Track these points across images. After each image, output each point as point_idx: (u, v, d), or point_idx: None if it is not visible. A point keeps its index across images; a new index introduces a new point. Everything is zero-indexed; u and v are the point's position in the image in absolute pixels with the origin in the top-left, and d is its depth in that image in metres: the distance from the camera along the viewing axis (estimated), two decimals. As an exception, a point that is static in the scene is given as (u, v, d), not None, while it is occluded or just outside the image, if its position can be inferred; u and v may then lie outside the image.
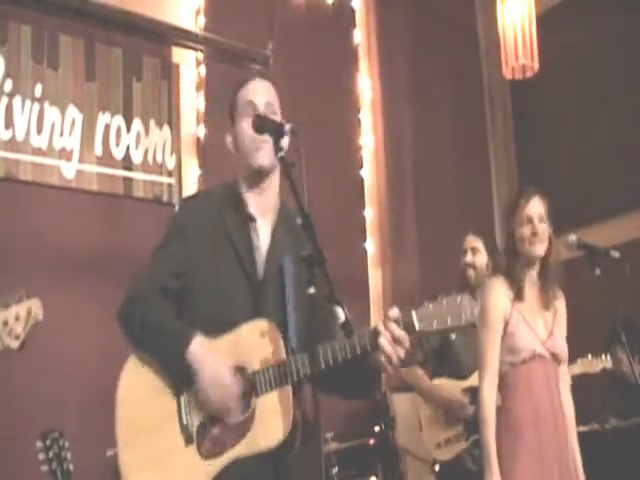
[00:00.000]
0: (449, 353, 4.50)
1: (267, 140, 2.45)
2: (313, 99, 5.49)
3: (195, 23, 5.21)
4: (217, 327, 2.42)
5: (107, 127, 4.73)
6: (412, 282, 5.92)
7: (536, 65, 5.30)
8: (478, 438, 4.13)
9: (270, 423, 2.33)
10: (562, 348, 3.49)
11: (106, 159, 4.70)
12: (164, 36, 4.99)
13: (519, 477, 3.33)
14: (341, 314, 2.21)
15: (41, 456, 3.29)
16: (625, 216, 5.75)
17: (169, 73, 5.06)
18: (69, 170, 4.55)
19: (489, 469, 3.34)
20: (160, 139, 4.94)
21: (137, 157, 4.83)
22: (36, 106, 4.46)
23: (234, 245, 2.53)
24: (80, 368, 4.28)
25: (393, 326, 2.28)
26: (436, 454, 4.56)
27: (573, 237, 3.60)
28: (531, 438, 3.37)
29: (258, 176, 2.58)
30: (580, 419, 3.68)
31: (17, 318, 2.66)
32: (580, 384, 4.25)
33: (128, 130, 4.81)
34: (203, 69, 5.22)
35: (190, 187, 5.03)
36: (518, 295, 3.44)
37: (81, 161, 4.60)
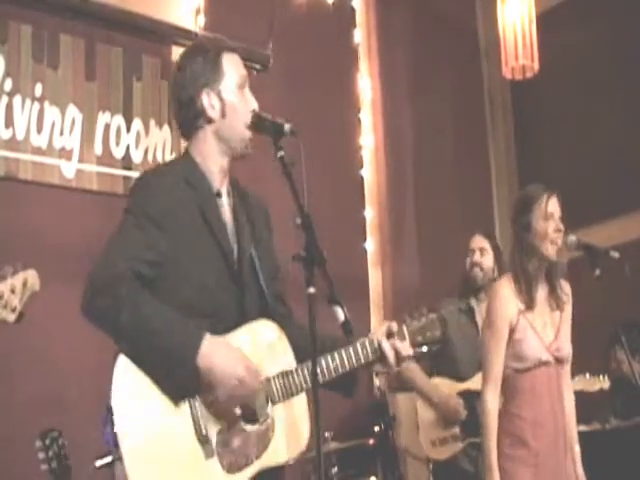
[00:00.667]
0: (447, 352, 4.45)
1: None
2: (313, 99, 5.48)
3: (195, 23, 5.20)
4: (198, 313, 2.33)
5: (107, 127, 4.72)
6: (412, 282, 5.91)
7: (536, 65, 5.30)
8: (475, 441, 4.14)
9: (290, 433, 2.34)
10: (567, 350, 3.46)
11: (106, 159, 4.69)
12: (164, 35, 4.97)
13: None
14: (341, 314, 2.21)
15: (41, 455, 3.29)
16: (625, 216, 5.75)
17: (169, 73, 5.05)
18: (69, 169, 4.54)
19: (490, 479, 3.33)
20: (160, 139, 4.93)
21: (137, 157, 4.82)
22: (36, 105, 4.45)
23: (209, 224, 2.42)
24: (80, 367, 4.26)
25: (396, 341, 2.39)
26: (430, 453, 4.50)
27: (573, 237, 3.57)
28: (531, 441, 3.36)
29: (232, 154, 2.51)
30: (581, 419, 3.68)
31: (13, 290, 2.60)
32: (580, 384, 4.27)
33: (128, 130, 4.81)
34: (203, 69, 5.21)
35: (190, 187, 5.01)
36: (529, 305, 3.39)
37: (81, 160, 4.59)
